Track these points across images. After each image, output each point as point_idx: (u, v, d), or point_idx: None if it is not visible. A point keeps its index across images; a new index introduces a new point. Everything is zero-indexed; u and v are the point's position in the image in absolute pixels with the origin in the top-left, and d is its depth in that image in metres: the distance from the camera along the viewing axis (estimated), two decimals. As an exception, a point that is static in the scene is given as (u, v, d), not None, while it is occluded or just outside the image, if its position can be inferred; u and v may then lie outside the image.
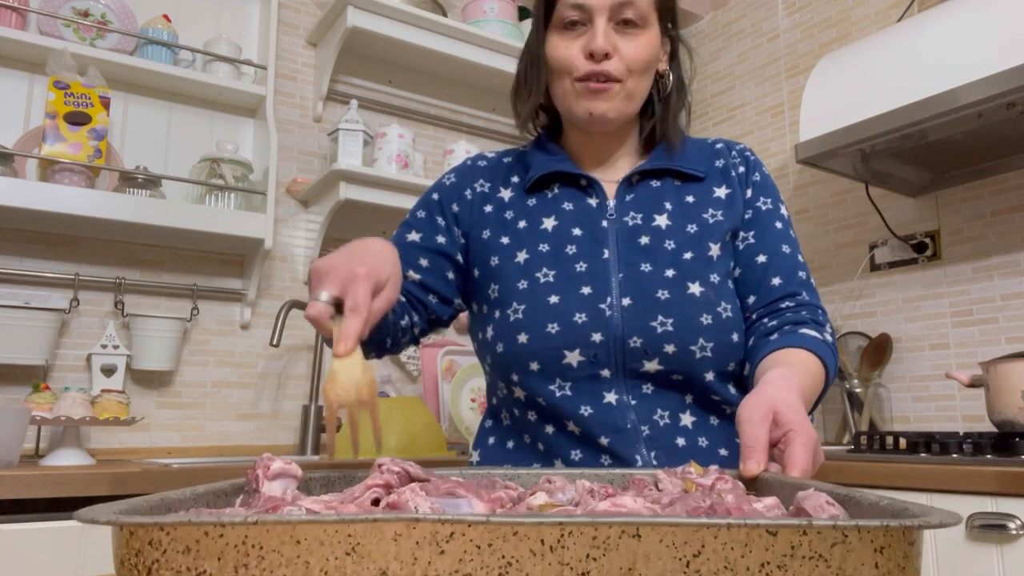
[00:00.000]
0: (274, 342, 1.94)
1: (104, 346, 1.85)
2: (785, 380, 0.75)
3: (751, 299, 0.94)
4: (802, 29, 2.45)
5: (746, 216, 0.97)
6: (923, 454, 1.48)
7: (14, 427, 1.39)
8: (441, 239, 1.01)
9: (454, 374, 2.13)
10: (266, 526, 0.38)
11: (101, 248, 1.95)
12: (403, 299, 1.00)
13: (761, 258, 0.95)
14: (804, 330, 0.89)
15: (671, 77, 0.99)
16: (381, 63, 2.42)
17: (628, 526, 0.39)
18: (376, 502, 0.58)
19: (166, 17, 2.02)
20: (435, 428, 1.93)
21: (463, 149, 2.30)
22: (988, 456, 1.39)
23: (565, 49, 0.92)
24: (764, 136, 2.53)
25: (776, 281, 0.94)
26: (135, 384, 1.94)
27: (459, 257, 1.01)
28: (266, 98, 2.08)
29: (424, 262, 1.00)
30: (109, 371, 1.84)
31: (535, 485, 0.65)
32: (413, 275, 1.00)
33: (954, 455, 1.44)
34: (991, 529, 1.27)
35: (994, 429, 1.58)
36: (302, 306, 2.08)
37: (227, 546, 0.38)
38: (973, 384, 1.60)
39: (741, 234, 0.97)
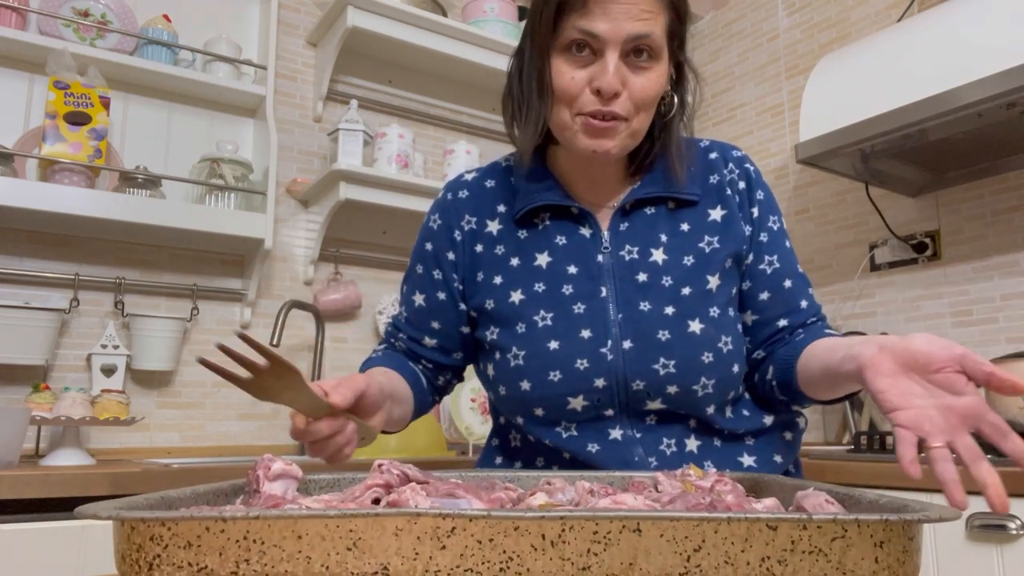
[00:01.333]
0: (274, 342, 1.94)
1: (104, 346, 1.85)
2: (858, 339, 0.77)
3: (782, 322, 0.95)
4: (802, 29, 2.45)
5: (761, 238, 0.96)
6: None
7: (14, 427, 1.39)
8: (442, 295, 1.00)
9: (454, 374, 2.13)
10: (267, 521, 0.38)
11: (101, 248, 1.95)
12: (431, 365, 1.02)
13: (787, 283, 0.96)
14: (828, 331, 0.94)
15: (675, 100, 0.93)
16: (381, 63, 2.42)
17: (629, 520, 0.39)
18: (376, 501, 0.58)
19: (166, 17, 2.03)
20: (435, 428, 1.93)
21: (463, 149, 2.30)
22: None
23: (570, 79, 0.85)
24: (764, 136, 2.53)
25: (803, 303, 0.96)
26: (135, 384, 1.94)
27: (462, 306, 1.00)
28: (266, 98, 2.08)
29: (435, 324, 1.01)
30: (109, 371, 1.84)
31: (535, 486, 0.65)
32: (429, 341, 1.01)
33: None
34: (991, 529, 1.27)
35: (994, 429, 1.58)
36: (302, 306, 2.08)
37: (228, 541, 0.38)
38: (973, 384, 1.60)
39: (767, 258, 0.96)
